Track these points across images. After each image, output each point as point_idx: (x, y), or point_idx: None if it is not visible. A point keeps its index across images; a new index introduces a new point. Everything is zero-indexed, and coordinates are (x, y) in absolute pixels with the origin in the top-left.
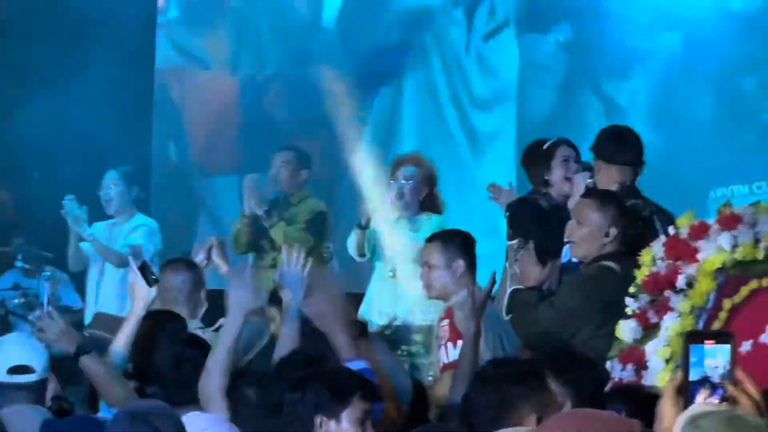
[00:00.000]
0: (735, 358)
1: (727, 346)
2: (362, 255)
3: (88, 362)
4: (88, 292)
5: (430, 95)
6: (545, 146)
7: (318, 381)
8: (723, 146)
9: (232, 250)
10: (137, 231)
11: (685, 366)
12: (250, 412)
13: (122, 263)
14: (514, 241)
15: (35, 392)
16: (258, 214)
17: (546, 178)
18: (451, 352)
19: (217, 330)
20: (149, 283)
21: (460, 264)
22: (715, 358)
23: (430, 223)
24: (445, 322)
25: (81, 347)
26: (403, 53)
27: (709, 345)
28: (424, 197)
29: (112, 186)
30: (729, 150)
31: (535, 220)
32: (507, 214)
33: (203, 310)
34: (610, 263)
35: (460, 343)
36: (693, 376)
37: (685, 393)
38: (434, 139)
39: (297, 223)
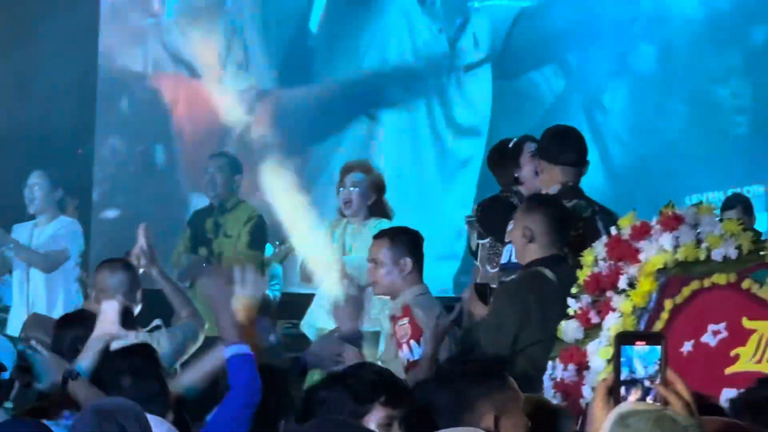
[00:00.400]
0: (666, 360)
1: (658, 347)
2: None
3: (79, 387)
4: (15, 294)
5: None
6: (511, 144)
7: (340, 384)
8: (698, 154)
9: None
10: (60, 232)
11: (617, 367)
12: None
13: (49, 268)
14: (486, 240)
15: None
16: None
17: (516, 175)
18: (415, 350)
19: (151, 330)
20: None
21: (408, 261)
22: (646, 360)
23: (379, 228)
24: (405, 320)
25: (67, 374)
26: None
27: (640, 346)
28: (373, 203)
29: (36, 186)
30: (704, 157)
31: (507, 219)
32: (478, 213)
33: (138, 310)
34: (538, 268)
35: (422, 339)
36: (624, 377)
37: (616, 394)
38: (407, 160)
39: (237, 233)
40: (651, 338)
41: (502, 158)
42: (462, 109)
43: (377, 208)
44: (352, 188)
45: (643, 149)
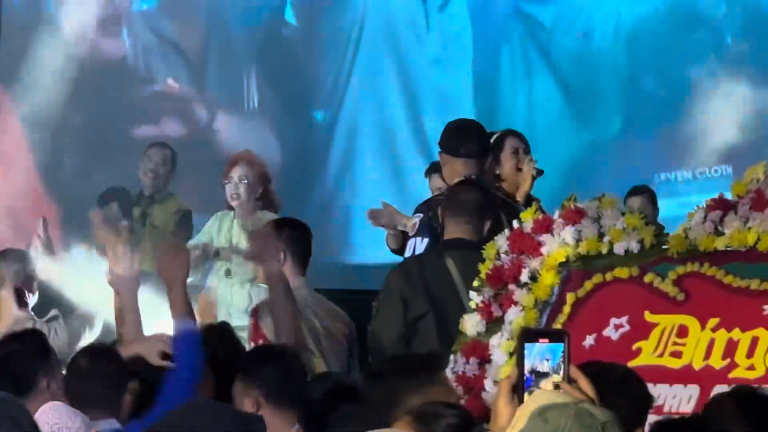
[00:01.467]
0: (569, 357)
1: (561, 345)
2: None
3: None
4: None
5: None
6: (492, 139)
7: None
8: (668, 134)
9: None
10: None
11: (520, 364)
12: (78, 381)
13: None
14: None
15: None
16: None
17: (497, 172)
18: None
19: (49, 321)
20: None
21: (283, 254)
22: (549, 356)
23: (265, 220)
24: (251, 320)
25: None
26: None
27: (543, 343)
28: (260, 195)
29: None
30: (674, 138)
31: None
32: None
33: (35, 300)
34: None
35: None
36: (528, 374)
37: (520, 391)
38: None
39: (163, 224)
40: (554, 336)
41: None
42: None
43: (264, 200)
44: (239, 181)
45: (617, 127)
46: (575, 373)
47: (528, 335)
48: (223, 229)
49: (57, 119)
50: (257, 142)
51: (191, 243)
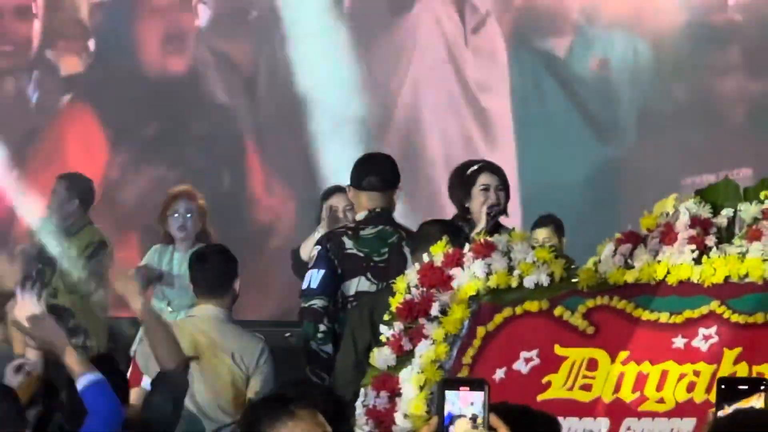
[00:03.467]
0: (489, 405)
1: (482, 393)
2: None
3: None
4: None
5: None
6: (468, 172)
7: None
8: (694, 138)
9: None
10: None
11: (440, 412)
12: None
13: None
14: None
15: None
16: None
17: (466, 205)
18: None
19: None
20: None
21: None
22: (470, 405)
23: None
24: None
25: None
26: None
27: (464, 391)
28: (201, 230)
29: None
30: (699, 142)
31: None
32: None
33: None
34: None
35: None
36: (448, 422)
37: None
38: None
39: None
40: (474, 384)
41: (457, 183)
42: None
43: (203, 234)
44: (186, 214)
45: (644, 133)
46: (495, 422)
47: (449, 383)
48: (163, 262)
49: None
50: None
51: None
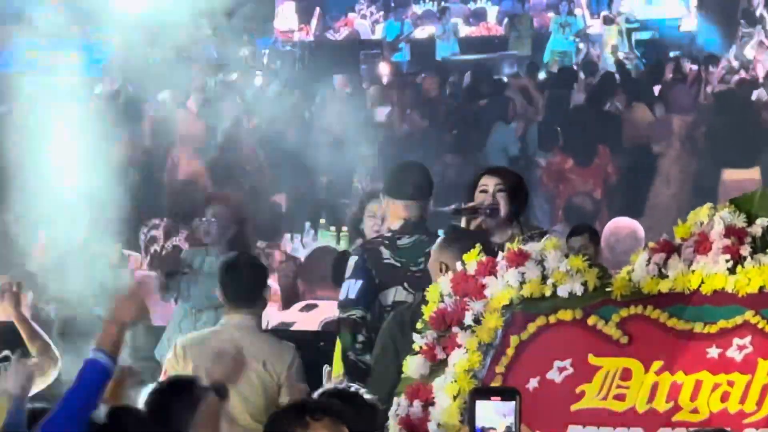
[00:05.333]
0: (520, 415)
1: (513, 403)
2: (165, 296)
3: None
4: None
5: None
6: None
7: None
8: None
9: None
10: None
11: (471, 422)
12: None
13: None
14: None
15: None
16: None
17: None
18: None
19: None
20: None
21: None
22: (501, 414)
23: None
24: None
25: None
26: None
27: (495, 401)
28: (234, 235)
29: None
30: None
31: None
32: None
33: None
34: None
35: None
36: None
37: None
38: None
39: None
40: (506, 394)
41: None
42: None
43: (238, 239)
44: (212, 219)
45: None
46: (526, 431)
47: (480, 393)
48: (195, 263)
49: None
50: None
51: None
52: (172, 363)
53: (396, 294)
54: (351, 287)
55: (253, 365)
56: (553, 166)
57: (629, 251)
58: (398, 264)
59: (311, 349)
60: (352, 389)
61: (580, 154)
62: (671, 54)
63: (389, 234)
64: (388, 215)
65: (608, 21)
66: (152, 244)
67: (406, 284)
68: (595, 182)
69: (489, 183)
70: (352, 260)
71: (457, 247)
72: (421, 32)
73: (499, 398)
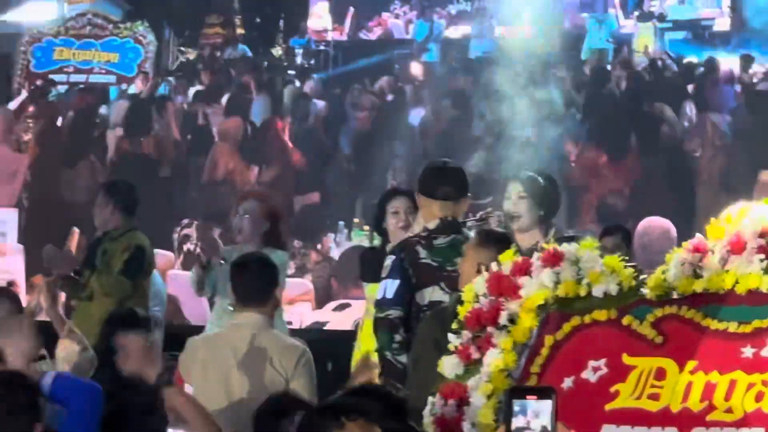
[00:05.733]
0: (556, 414)
1: (549, 401)
2: (201, 291)
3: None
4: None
5: None
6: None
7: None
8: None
9: None
10: None
11: (508, 421)
12: None
13: None
14: None
15: None
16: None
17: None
18: None
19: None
20: None
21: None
22: (537, 413)
23: (274, 257)
24: None
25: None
26: None
27: (531, 400)
28: (267, 231)
29: None
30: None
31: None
32: None
33: None
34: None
35: None
36: (515, 430)
37: None
38: None
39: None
40: (542, 392)
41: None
42: None
43: (272, 236)
44: (244, 215)
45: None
46: (563, 430)
47: (516, 392)
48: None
49: None
50: None
51: None
52: (185, 361)
53: (432, 294)
54: (388, 287)
55: (261, 363)
56: (587, 162)
57: (662, 251)
58: (435, 264)
59: (348, 348)
60: (385, 389)
61: (613, 151)
62: (705, 54)
63: (425, 234)
64: (422, 214)
65: (642, 19)
66: (185, 243)
67: (442, 284)
68: (628, 181)
69: (514, 191)
70: (389, 260)
71: (494, 247)
72: (454, 32)
73: (535, 397)
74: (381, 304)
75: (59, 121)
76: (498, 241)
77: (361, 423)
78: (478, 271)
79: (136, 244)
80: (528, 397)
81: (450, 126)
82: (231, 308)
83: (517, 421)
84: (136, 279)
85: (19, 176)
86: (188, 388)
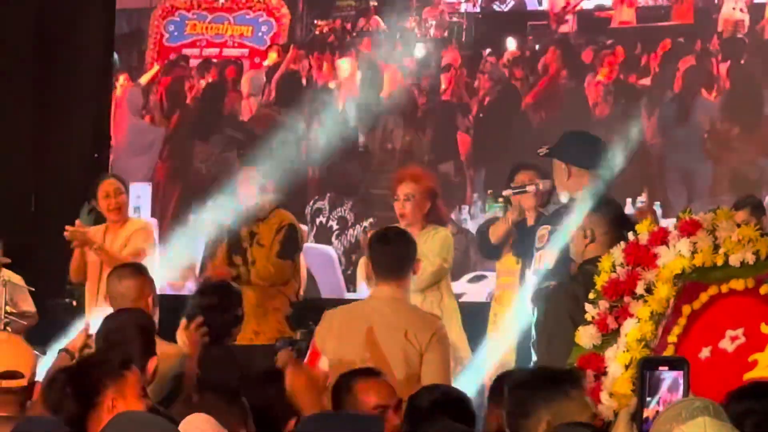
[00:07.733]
0: (689, 385)
1: (681, 372)
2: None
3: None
4: None
5: None
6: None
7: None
8: None
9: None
10: None
11: (641, 393)
12: None
13: None
14: None
15: (21, 398)
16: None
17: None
18: None
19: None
20: None
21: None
22: (669, 384)
23: (436, 236)
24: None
25: None
26: None
27: (663, 370)
28: (429, 210)
29: None
30: None
31: None
32: None
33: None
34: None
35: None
36: (647, 401)
37: (639, 420)
38: None
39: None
40: (674, 363)
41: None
42: None
43: (433, 215)
44: (405, 199)
45: None
46: None
47: (648, 363)
48: None
49: None
50: None
51: None
52: (320, 333)
53: None
54: (546, 257)
55: (396, 335)
56: (719, 134)
57: None
58: None
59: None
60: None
61: (747, 120)
62: None
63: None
64: (567, 185)
65: None
66: (318, 216)
67: None
68: (761, 151)
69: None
70: (545, 230)
71: (602, 212)
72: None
73: (667, 368)
74: (540, 274)
75: (192, 95)
76: (605, 206)
77: (582, 393)
78: (585, 237)
79: (289, 223)
80: (660, 367)
81: None
82: None
83: (650, 393)
84: (294, 259)
85: (155, 148)
86: (323, 361)
